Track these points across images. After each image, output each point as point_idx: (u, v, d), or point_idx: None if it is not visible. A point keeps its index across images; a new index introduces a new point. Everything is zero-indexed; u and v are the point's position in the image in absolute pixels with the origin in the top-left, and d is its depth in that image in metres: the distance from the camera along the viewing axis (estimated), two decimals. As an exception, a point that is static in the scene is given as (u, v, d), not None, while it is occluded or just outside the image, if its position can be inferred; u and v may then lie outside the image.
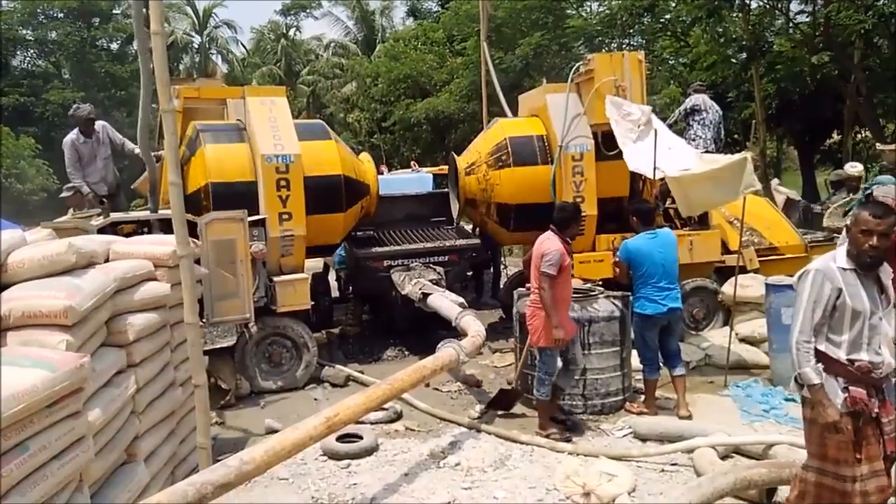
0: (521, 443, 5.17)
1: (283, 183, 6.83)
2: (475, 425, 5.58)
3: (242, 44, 38.59)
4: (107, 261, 4.11)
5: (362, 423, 5.34)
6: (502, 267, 10.54)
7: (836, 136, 19.41)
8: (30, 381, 2.68)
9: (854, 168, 9.82)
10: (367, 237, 8.29)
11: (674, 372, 5.69)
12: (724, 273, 7.67)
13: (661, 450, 4.84)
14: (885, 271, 3.20)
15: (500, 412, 5.85)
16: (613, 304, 5.89)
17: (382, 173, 12.36)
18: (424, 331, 7.82)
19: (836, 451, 3.09)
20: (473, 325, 6.03)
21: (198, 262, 5.27)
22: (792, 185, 17.22)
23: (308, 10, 36.24)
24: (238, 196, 6.64)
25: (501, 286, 9.87)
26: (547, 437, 5.20)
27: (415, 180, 11.20)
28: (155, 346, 4.09)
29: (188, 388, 4.42)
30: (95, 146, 7.56)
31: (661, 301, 5.56)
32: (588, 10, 20.03)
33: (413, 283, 7.25)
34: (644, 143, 6.82)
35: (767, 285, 6.45)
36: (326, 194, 7.14)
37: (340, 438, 5.07)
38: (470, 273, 9.31)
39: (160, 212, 6.51)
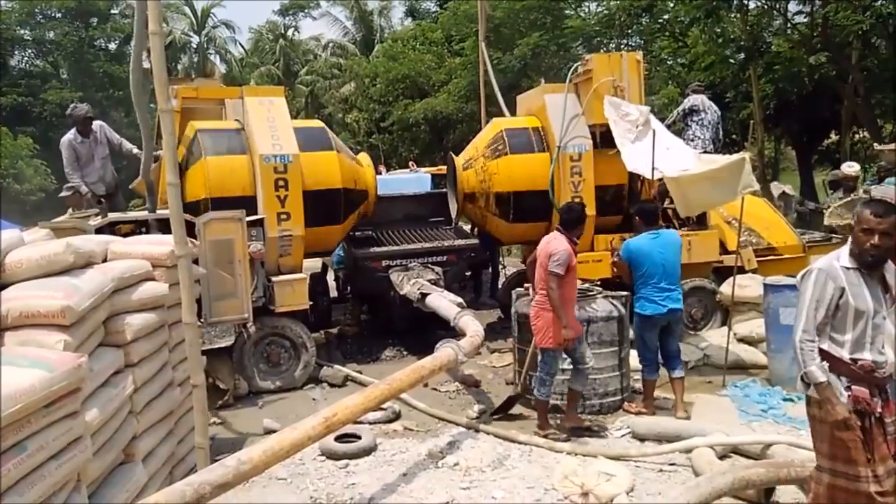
0: (520, 443, 5.17)
1: (281, 183, 6.83)
2: (473, 425, 5.58)
3: (241, 44, 38.61)
4: (105, 261, 4.11)
5: (361, 423, 5.34)
6: (501, 267, 10.54)
7: (833, 137, 19.41)
8: (27, 381, 2.68)
9: (851, 168, 9.84)
10: (366, 237, 8.29)
11: (673, 373, 5.70)
12: (722, 273, 7.68)
13: (659, 450, 4.84)
14: (891, 270, 3.17)
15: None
16: (612, 304, 5.90)
17: (381, 173, 12.35)
18: (423, 331, 7.82)
19: (847, 451, 3.05)
20: (472, 325, 6.03)
21: (196, 262, 5.27)
22: (790, 185, 17.24)
23: (306, 11, 36.23)
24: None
25: (500, 286, 9.87)
26: (545, 436, 5.21)
27: (413, 180, 11.19)
28: (153, 346, 4.09)
29: (186, 388, 4.42)
30: (93, 146, 7.55)
31: (660, 302, 5.57)
32: (586, 10, 20.06)
33: (411, 283, 7.25)
34: (642, 143, 6.83)
35: (766, 285, 6.46)
36: (326, 207, 7.19)
37: (339, 438, 5.07)
38: (468, 273, 9.31)
39: (158, 212, 6.51)
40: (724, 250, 7.82)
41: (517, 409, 5.87)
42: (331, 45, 34.56)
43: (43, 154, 24.78)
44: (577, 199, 7.35)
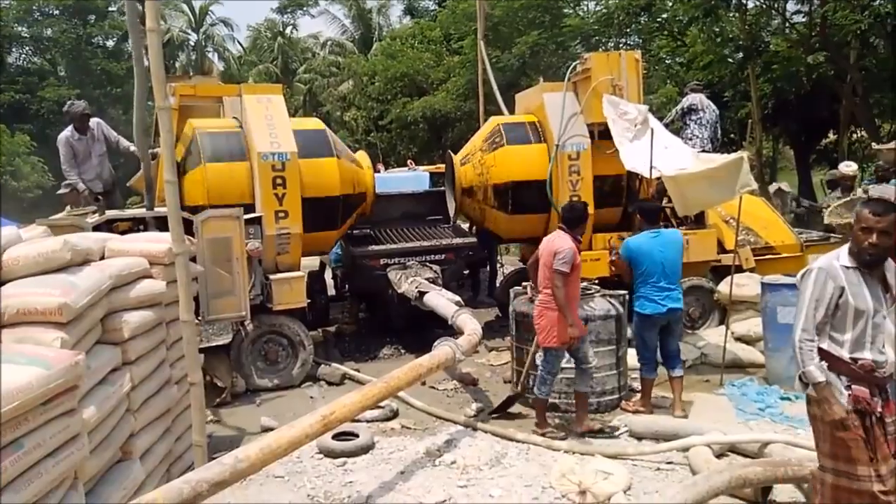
0: (517, 441, 5.18)
1: (279, 181, 6.82)
2: (471, 423, 5.59)
3: (239, 41, 38.52)
4: (102, 258, 4.10)
5: (358, 421, 5.33)
6: (498, 265, 10.54)
7: (832, 136, 19.44)
8: (25, 379, 2.67)
9: (849, 168, 9.86)
10: (364, 235, 8.29)
11: (672, 373, 5.70)
12: (720, 272, 7.69)
13: (656, 448, 4.85)
14: (891, 269, 3.16)
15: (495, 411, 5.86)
16: (610, 302, 5.90)
17: (379, 171, 12.36)
18: (421, 329, 7.82)
19: (849, 451, 3.04)
20: (470, 323, 6.03)
21: (193, 259, 5.27)
22: (786, 182, 17.25)
23: (305, 8, 36.11)
24: None
25: (498, 285, 9.88)
26: (543, 435, 5.21)
27: (411, 179, 11.19)
28: (150, 343, 4.08)
29: (184, 386, 4.41)
30: (90, 143, 7.53)
31: (660, 301, 5.57)
32: (585, 9, 20.04)
33: (409, 281, 7.24)
34: (641, 142, 6.83)
35: (763, 284, 6.47)
36: (325, 214, 7.23)
37: (336, 436, 5.08)
38: (466, 271, 9.31)
39: (156, 209, 6.50)
40: (721, 249, 7.82)
41: (515, 407, 5.87)
42: (329, 43, 34.48)
43: (40, 151, 24.72)
44: (575, 198, 7.35)
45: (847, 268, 3.11)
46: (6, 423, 2.58)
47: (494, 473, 4.68)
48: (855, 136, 18.00)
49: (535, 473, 4.63)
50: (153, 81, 3.85)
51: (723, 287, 7.39)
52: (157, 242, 4.43)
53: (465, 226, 9.26)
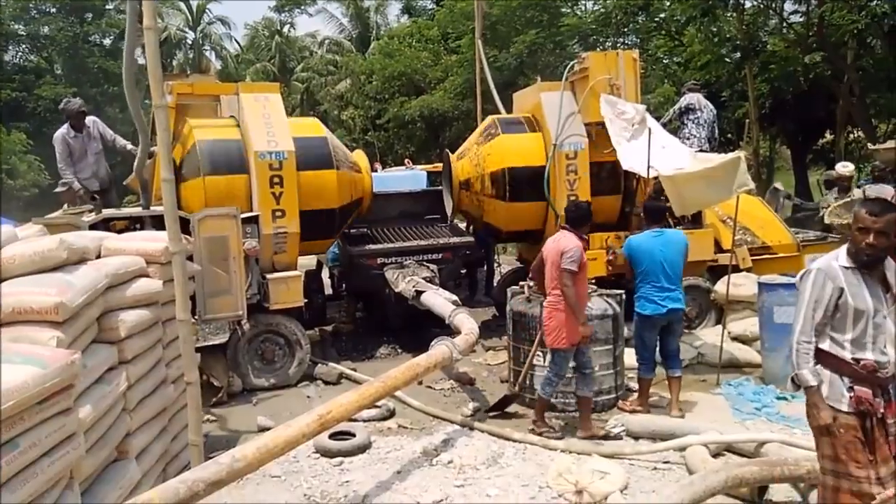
0: (514, 440, 5.18)
1: (276, 180, 6.81)
2: (468, 423, 5.58)
3: (236, 40, 38.47)
4: (99, 257, 4.09)
5: (355, 420, 5.34)
6: (496, 265, 10.54)
7: (828, 136, 19.49)
8: (20, 378, 2.66)
9: (845, 168, 9.87)
10: (361, 234, 8.28)
11: (671, 373, 5.70)
12: (716, 272, 7.70)
13: (653, 448, 4.85)
14: (891, 269, 3.14)
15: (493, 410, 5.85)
16: (606, 302, 5.90)
17: (376, 170, 12.36)
18: (418, 328, 7.82)
19: (848, 453, 3.03)
20: (467, 322, 6.03)
21: (190, 258, 5.26)
22: (785, 184, 17.27)
23: (302, 7, 36.04)
24: None
25: (495, 284, 9.88)
26: (540, 434, 5.21)
27: (409, 178, 11.20)
28: (147, 342, 4.08)
29: (180, 385, 4.41)
30: (86, 141, 7.50)
31: (660, 302, 5.56)
32: (583, 8, 20.06)
33: (406, 280, 7.24)
34: (638, 141, 6.83)
35: (760, 284, 6.48)
36: (322, 225, 7.26)
37: (333, 436, 5.07)
38: (463, 271, 9.31)
39: (152, 208, 6.48)
40: (718, 249, 7.83)
41: (512, 407, 5.87)
42: (327, 41, 34.46)
43: (37, 150, 24.65)
44: (573, 197, 7.35)
45: (846, 268, 3.09)
46: (2, 422, 2.57)
47: (491, 473, 4.68)
48: (852, 136, 18.04)
49: (532, 473, 4.63)
50: (150, 80, 3.85)
51: (719, 287, 7.40)
52: (153, 241, 4.43)
53: (463, 225, 9.26)
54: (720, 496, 3.91)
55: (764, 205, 9.14)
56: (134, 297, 3.97)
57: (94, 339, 3.64)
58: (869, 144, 12.81)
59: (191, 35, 36.48)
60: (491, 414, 5.79)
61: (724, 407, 5.76)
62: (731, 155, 6.41)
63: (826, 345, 3.13)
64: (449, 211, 8.59)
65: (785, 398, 5.73)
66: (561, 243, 5.17)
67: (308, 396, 6.53)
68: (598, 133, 7.54)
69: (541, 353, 5.68)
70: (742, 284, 7.33)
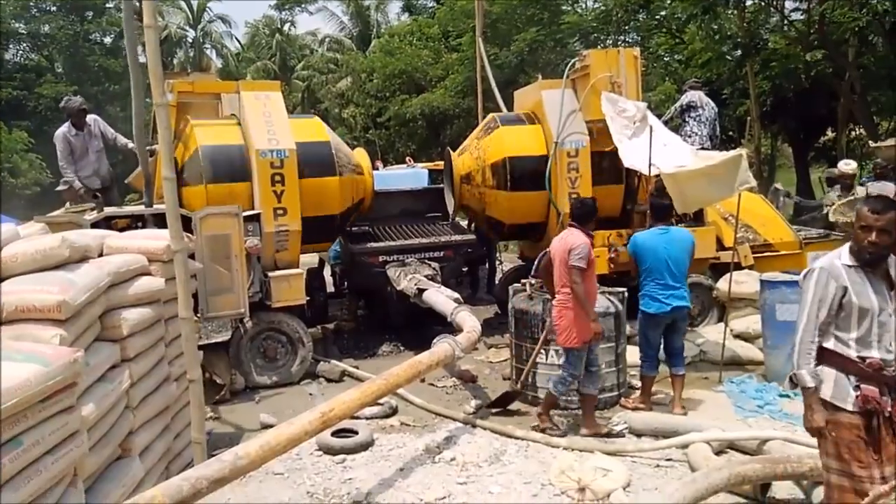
0: (517, 438, 5.18)
1: (277, 178, 6.81)
2: (470, 420, 5.59)
3: (237, 38, 38.47)
4: (101, 255, 4.09)
5: (357, 418, 5.33)
6: (497, 262, 10.54)
7: (830, 134, 19.46)
8: (23, 376, 2.66)
9: (848, 166, 9.86)
10: (363, 232, 8.29)
11: (675, 371, 5.69)
12: (718, 269, 7.69)
13: (655, 445, 4.85)
14: (895, 266, 3.12)
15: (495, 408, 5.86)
16: (609, 299, 5.90)
17: (378, 169, 12.34)
18: (419, 326, 7.82)
19: (851, 452, 3.02)
20: (468, 320, 6.03)
21: (192, 256, 5.26)
22: (786, 182, 17.30)
23: (303, 5, 36.00)
24: None
25: (497, 282, 9.88)
26: (543, 430, 5.21)
27: (410, 176, 11.18)
28: (149, 340, 4.08)
29: (183, 383, 4.40)
30: (87, 139, 7.50)
31: (664, 300, 5.54)
32: (583, 6, 20.07)
33: (408, 278, 7.24)
34: (639, 139, 6.83)
35: (762, 282, 6.47)
36: (323, 230, 7.32)
37: (335, 433, 5.07)
38: (465, 269, 9.32)
39: (154, 206, 6.48)
40: (720, 247, 7.82)
41: (515, 404, 5.88)
42: (327, 40, 34.42)
43: (38, 148, 24.64)
44: (574, 195, 7.34)
45: (849, 267, 3.07)
46: (5, 420, 2.57)
47: (494, 470, 4.68)
48: (853, 133, 18.02)
49: (535, 470, 4.63)
50: (151, 78, 3.84)
51: (722, 284, 7.39)
52: (155, 239, 4.43)
53: (464, 223, 9.26)
54: (723, 494, 3.91)
55: (766, 202, 9.14)
56: (136, 295, 3.97)
57: (97, 337, 3.64)
58: (870, 142, 12.80)
59: (191, 33, 36.50)
60: (492, 410, 5.80)
61: (727, 404, 5.77)
62: (732, 152, 6.42)
63: (831, 344, 3.11)
64: (451, 209, 8.59)
65: (787, 395, 5.72)
66: (568, 241, 5.16)
67: (310, 394, 6.53)
68: (599, 130, 7.53)
69: (544, 352, 5.67)
70: (744, 282, 7.33)
